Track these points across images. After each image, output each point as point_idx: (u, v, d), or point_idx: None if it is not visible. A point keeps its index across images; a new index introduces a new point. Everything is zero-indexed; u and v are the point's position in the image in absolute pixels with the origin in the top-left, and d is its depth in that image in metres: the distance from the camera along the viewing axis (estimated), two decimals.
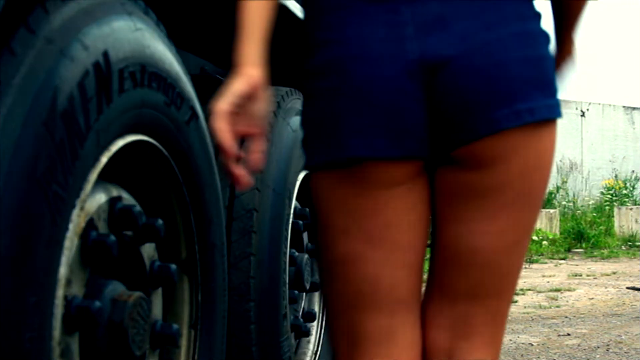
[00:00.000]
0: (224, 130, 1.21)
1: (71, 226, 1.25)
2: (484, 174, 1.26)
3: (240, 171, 1.24)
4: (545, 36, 1.29)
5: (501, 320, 1.38)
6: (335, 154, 1.25)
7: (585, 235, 11.55)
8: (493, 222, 1.29)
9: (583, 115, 16.24)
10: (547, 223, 11.89)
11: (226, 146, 1.22)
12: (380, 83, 1.22)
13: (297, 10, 2.58)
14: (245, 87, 1.23)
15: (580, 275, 8.45)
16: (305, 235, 2.91)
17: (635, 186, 14.94)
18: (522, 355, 4.51)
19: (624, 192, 14.42)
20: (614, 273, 8.66)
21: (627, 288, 7.41)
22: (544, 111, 1.26)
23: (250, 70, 1.25)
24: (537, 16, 1.29)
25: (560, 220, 12.29)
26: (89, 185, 1.30)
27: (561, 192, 14.52)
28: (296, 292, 2.69)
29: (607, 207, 13.62)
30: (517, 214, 1.30)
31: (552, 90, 1.27)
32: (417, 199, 1.29)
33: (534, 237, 11.24)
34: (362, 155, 1.23)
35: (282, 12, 2.49)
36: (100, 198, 1.40)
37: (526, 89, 1.24)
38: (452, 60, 1.22)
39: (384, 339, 1.31)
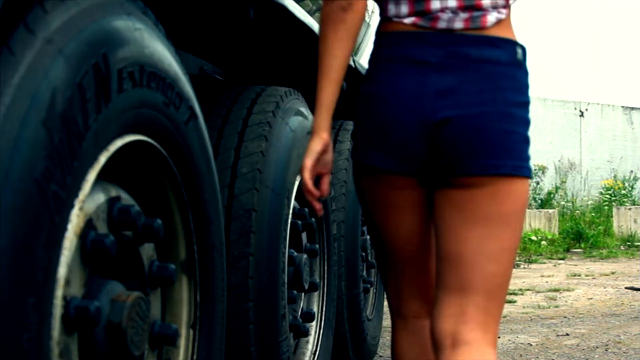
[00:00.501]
0: (309, 180, 1.80)
1: (70, 226, 1.25)
2: (465, 192, 1.74)
3: (319, 205, 1.86)
4: (526, 120, 1.75)
5: (493, 317, 1.78)
6: (371, 162, 1.79)
7: (584, 235, 11.55)
8: (472, 230, 1.74)
9: (582, 115, 16.25)
10: (545, 223, 11.89)
11: (311, 190, 1.81)
12: (400, 122, 1.73)
13: (297, 11, 2.58)
14: (321, 147, 1.81)
15: (579, 275, 8.46)
16: (304, 235, 2.92)
17: (634, 186, 14.94)
18: (520, 355, 4.51)
19: (623, 192, 14.42)
20: (613, 273, 8.67)
21: (626, 288, 7.42)
22: (508, 169, 1.71)
23: (323, 135, 1.81)
24: (526, 104, 1.75)
25: (559, 220, 12.30)
26: (87, 185, 1.30)
27: (560, 192, 14.52)
28: (295, 292, 2.69)
29: (605, 207, 13.63)
30: (492, 228, 1.74)
31: (519, 156, 1.73)
32: (415, 198, 1.83)
33: (533, 237, 11.26)
34: (380, 167, 1.78)
35: (282, 13, 2.49)
36: (99, 198, 1.40)
37: (495, 151, 1.70)
38: (450, 121, 1.70)
39: (409, 283, 1.92)
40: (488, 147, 1.70)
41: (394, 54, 1.76)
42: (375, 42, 1.83)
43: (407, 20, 1.76)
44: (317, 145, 1.80)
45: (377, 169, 1.79)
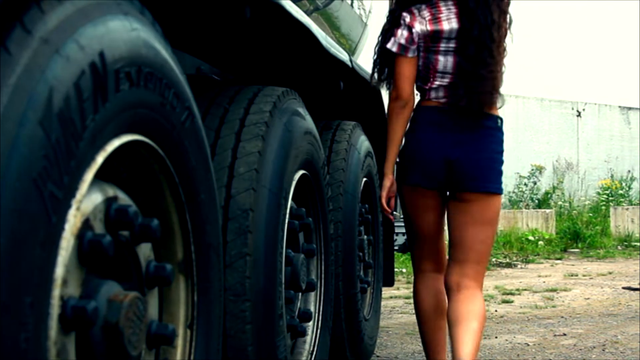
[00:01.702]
0: (385, 206, 3.24)
1: (67, 226, 1.25)
2: (466, 205, 3.09)
3: (392, 216, 3.32)
4: (502, 161, 3.09)
5: (481, 274, 3.14)
6: (410, 181, 3.13)
7: (581, 236, 11.56)
8: (470, 227, 3.09)
9: (579, 115, 16.25)
10: (543, 223, 11.89)
11: (386, 209, 3.25)
12: (430, 161, 3.05)
13: (294, 11, 2.58)
14: (389, 183, 3.21)
15: (576, 275, 8.47)
16: (301, 235, 2.91)
17: (631, 186, 14.95)
18: (518, 355, 4.51)
19: (620, 192, 14.43)
20: (610, 273, 8.68)
21: (623, 288, 7.42)
22: (491, 189, 3.07)
23: (390, 176, 3.21)
24: (502, 152, 3.09)
25: (556, 220, 12.29)
26: (85, 185, 1.30)
27: (557, 192, 14.52)
28: (292, 292, 2.69)
29: (603, 207, 13.64)
30: (482, 225, 3.10)
31: (498, 181, 3.08)
32: (437, 203, 3.16)
33: (530, 237, 11.26)
34: (418, 184, 3.11)
35: (279, 13, 2.49)
36: (96, 198, 1.40)
37: (484, 178, 3.05)
38: (458, 159, 3.03)
39: (428, 252, 3.26)
40: (480, 175, 3.04)
41: (428, 120, 3.09)
42: (417, 110, 3.14)
43: (442, 100, 3.06)
44: (387, 182, 3.21)
45: (417, 185, 3.10)
